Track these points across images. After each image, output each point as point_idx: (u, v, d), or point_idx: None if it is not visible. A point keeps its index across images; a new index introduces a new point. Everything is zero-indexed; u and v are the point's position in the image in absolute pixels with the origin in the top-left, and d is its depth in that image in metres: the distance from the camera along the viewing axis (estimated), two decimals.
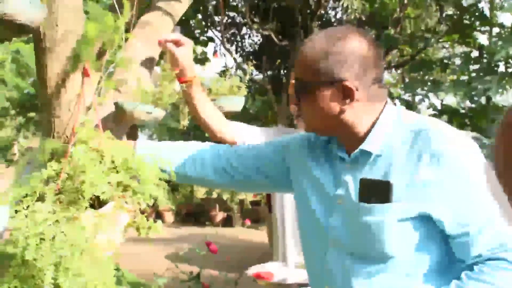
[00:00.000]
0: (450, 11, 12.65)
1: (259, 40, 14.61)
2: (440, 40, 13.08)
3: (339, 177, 1.71)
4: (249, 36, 14.73)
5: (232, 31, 14.30)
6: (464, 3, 11.53)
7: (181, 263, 4.16)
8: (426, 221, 1.56)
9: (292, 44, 12.54)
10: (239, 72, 13.13)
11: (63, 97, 2.02)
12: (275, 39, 12.08)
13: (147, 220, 1.98)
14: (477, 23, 11.52)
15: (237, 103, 3.08)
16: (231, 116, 3.06)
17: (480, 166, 1.54)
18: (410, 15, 13.28)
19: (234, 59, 13.39)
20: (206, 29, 14.22)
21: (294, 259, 2.45)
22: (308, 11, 13.10)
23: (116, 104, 2.30)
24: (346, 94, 1.62)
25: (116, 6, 2.22)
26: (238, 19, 14.17)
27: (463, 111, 13.12)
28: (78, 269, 1.75)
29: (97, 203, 1.94)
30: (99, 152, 1.90)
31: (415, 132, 1.59)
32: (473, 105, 11.46)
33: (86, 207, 1.86)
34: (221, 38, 13.29)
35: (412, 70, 13.57)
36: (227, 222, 13.51)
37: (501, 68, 11.10)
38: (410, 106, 17.25)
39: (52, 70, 1.99)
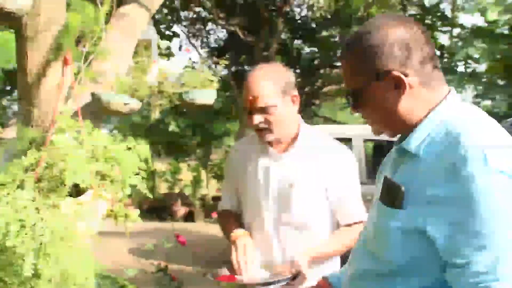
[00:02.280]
0: (413, 11, 12.89)
1: (224, 35, 14.65)
2: None
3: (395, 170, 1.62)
4: (214, 32, 14.76)
5: (198, 26, 14.30)
6: (427, 4, 11.77)
7: (144, 257, 4.16)
8: (425, 238, 1.43)
9: (257, 40, 12.62)
10: (205, 67, 13.12)
11: (43, 86, 2.04)
12: (241, 35, 12.12)
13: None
14: (439, 23, 11.79)
15: (208, 96, 3.11)
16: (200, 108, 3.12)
17: (500, 191, 1.35)
18: (373, 14, 13.46)
19: (200, 54, 13.39)
20: (171, 24, 14.19)
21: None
22: (274, 7, 13.20)
23: (93, 94, 2.32)
24: (397, 84, 1.50)
25: None
26: (204, 14, 14.16)
27: None
28: (58, 256, 1.77)
29: (75, 191, 1.96)
30: (79, 141, 1.92)
31: (451, 136, 1.44)
32: None
33: (66, 195, 1.88)
34: (186, 33, 13.28)
35: None
36: (189, 217, 13.50)
37: (461, 68, 11.39)
38: None
39: (33, 59, 2.00)
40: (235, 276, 2.26)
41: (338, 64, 15.53)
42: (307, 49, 15.32)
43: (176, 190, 14.74)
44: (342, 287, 1.77)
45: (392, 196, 1.48)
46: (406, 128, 1.53)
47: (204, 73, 3.14)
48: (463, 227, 1.35)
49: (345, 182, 2.44)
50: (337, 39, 14.14)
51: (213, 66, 9.84)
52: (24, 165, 1.86)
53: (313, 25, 14.25)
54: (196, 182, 13.94)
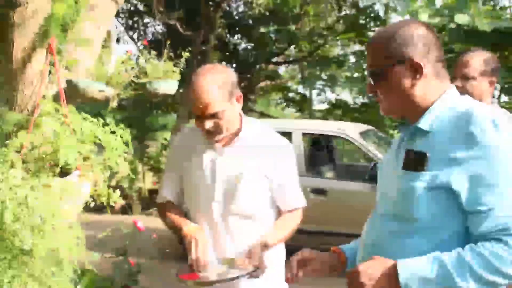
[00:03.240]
0: (347, 11, 13.29)
1: (161, 29, 14.64)
2: (337, 38, 13.70)
3: (400, 150, 1.91)
4: (152, 25, 14.74)
5: (135, 19, 14.24)
6: (361, 5, 12.16)
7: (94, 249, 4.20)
8: (450, 193, 1.69)
9: (196, 34, 12.70)
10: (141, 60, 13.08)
11: (28, 72, 2.12)
12: (180, 29, 12.17)
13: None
14: (372, 23, 12.19)
15: (170, 86, 3.23)
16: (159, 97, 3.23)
17: (510, 149, 1.66)
18: (310, 13, 13.80)
19: (137, 47, 13.35)
20: None
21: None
22: (212, 2, 13.32)
23: (69, 81, 2.41)
24: (415, 70, 1.79)
25: None
26: (141, 7, 14.12)
27: (356, 106, 13.86)
28: (50, 233, 1.88)
29: (59, 172, 2.06)
30: (65, 124, 2.02)
31: (461, 112, 1.74)
32: (366, 101, 12.12)
33: (54, 175, 1.98)
34: (124, 26, 13.21)
35: (310, 66, 14.12)
36: (126, 209, 13.46)
37: None
38: (306, 99, 17.92)
39: (19, 45, 2.08)
40: (198, 273, 2.31)
41: (274, 60, 15.84)
42: (244, 45, 15.51)
43: (113, 183, 14.67)
44: (357, 255, 1.96)
45: (417, 162, 1.73)
46: (414, 110, 1.82)
47: (166, 64, 3.25)
48: (483, 180, 1.64)
49: (284, 170, 2.57)
50: (273, 35, 14.41)
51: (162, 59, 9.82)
52: (14, 146, 1.94)
53: (250, 22, 14.47)
54: (133, 175, 13.87)
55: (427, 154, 1.73)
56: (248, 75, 15.30)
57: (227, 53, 15.00)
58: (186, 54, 3.56)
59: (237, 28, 14.91)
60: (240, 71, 15.23)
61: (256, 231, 2.52)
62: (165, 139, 15.36)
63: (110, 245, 4.28)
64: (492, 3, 12.22)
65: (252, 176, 2.52)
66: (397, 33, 1.81)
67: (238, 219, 2.54)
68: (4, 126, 2.07)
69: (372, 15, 11.98)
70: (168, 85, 3.19)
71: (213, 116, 2.40)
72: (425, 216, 1.73)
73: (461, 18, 9.94)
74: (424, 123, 1.79)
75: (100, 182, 2.07)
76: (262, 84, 17.00)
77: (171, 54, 3.35)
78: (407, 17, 11.76)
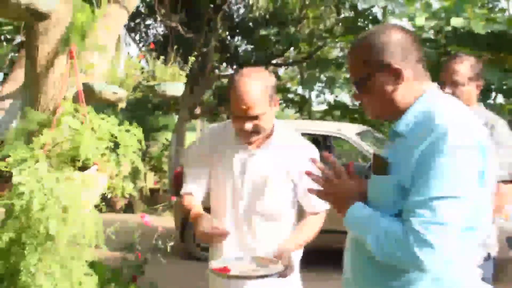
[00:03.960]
0: (346, 13, 13.50)
1: (162, 31, 14.83)
2: (336, 40, 13.91)
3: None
4: (153, 27, 14.94)
5: (137, 21, 14.44)
6: (360, 7, 12.37)
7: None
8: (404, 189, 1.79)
9: (197, 36, 12.90)
10: (143, 62, 13.29)
11: (50, 76, 2.34)
12: (182, 31, 12.38)
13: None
14: (371, 26, 12.40)
15: (177, 88, 3.47)
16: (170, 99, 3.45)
17: (463, 152, 1.70)
18: (309, 15, 14.01)
19: (139, 48, 13.56)
20: None
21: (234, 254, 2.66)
22: (213, 5, 13.52)
23: (86, 84, 2.63)
24: (396, 75, 1.85)
25: None
26: (143, 9, 14.32)
27: (354, 107, 14.07)
28: (73, 221, 2.10)
29: (79, 166, 2.28)
30: (85, 123, 2.24)
31: (429, 113, 1.81)
32: None
33: (75, 169, 2.20)
34: (126, 27, 13.41)
35: (310, 67, 14.33)
36: (128, 208, 13.66)
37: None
38: (305, 100, 18.14)
39: (43, 51, 2.30)
40: (229, 268, 2.41)
41: (274, 61, 16.06)
42: (244, 47, 15.72)
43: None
44: None
45: (379, 167, 1.86)
46: (398, 112, 1.90)
47: (173, 68, 3.48)
48: (422, 182, 1.71)
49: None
50: (273, 38, 14.62)
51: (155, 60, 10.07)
52: (39, 143, 2.16)
53: (251, 24, 14.68)
54: (135, 174, 14.07)
55: (388, 161, 1.84)
56: None
57: (228, 55, 15.20)
58: (192, 59, 3.78)
59: (237, 30, 15.12)
60: None
61: (277, 230, 2.65)
62: (166, 139, 15.60)
63: (116, 241, 4.48)
64: (490, 5, 12.44)
65: (279, 179, 2.63)
66: (374, 41, 1.88)
67: (262, 219, 2.65)
68: (29, 124, 2.28)
69: (370, 18, 12.18)
70: (175, 87, 3.42)
71: (254, 118, 2.47)
72: (392, 210, 1.83)
73: (457, 21, 10.15)
74: (400, 126, 1.88)
75: (114, 176, 2.28)
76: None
77: (175, 55, 3.57)
78: (405, 19, 12.04)
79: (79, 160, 2.22)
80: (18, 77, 3.78)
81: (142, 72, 3.32)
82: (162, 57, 3.44)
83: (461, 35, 10.45)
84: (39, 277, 2.10)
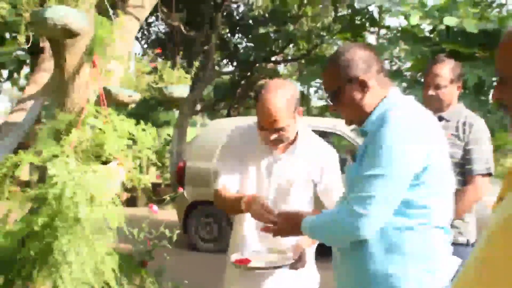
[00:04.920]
0: (343, 11, 13.84)
1: (164, 29, 15.17)
2: (334, 38, 14.24)
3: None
4: (155, 25, 15.27)
5: None
6: (357, 6, 12.68)
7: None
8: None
9: (199, 35, 13.26)
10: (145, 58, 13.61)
11: (76, 82, 2.70)
12: (183, 30, 12.71)
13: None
14: (367, 24, 12.73)
15: (183, 90, 3.80)
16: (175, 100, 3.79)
17: (400, 137, 2.03)
18: (307, 13, 14.35)
19: (142, 46, 13.89)
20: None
21: (255, 246, 2.85)
22: (213, 3, 13.86)
23: (104, 89, 2.99)
24: (363, 85, 2.20)
25: (109, 9, 2.90)
26: None
27: None
28: (98, 207, 2.47)
29: (102, 161, 2.64)
30: (107, 123, 2.61)
31: (383, 114, 2.15)
32: None
33: (99, 163, 2.56)
34: None
35: (308, 64, 14.66)
36: (131, 202, 13.99)
37: (387, 65, 12.41)
38: (304, 96, 18.48)
39: (70, 61, 2.66)
40: (250, 259, 2.68)
41: (273, 58, 16.40)
42: (244, 44, 16.06)
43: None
44: None
45: (352, 157, 2.27)
46: (367, 116, 2.23)
47: (179, 71, 3.82)
48: (362, 164, 2.09)
49: (330, 176, 2.86)
50: (272, 35, 14.97)
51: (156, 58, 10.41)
52: (69, 141, 2.53)
53: (251, 22, 15.03)
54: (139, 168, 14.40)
55: (355, 150, 2.24)
56: (248, 73, 15.86)
57: (228, 53, 15.55)
58: (196, 64, 4.13)
59: (237, 28, 15.47)
60: (240, 70, 15.83)
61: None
62: (168, 134, 15.95)
63: (123, 232, 4.81)
64: (488, 0, 12.74)
65: (302, 181, 2.83)
66: (341, 59, 2.22)
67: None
68: (58, 124, 2.64)
69: (367, 16, 12.50)
70: (181, 90, 3.75)
71: (279, 129, 2.67)
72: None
73: (450, 20, 10.47)
74: (367, 126, 2.22)
75: (132, 169, 2.64)
76: (262, 82, 17.56)
77: (177, 55, 3.90)
78: (401, 17, 12.38)
79: (102, 156, 2.59)
80: (39, 80, 4.15)
81: (150, 73, 3.67)
82: (169, 62, 3.77)
83: (455, 34, 10.76)
84: (69, 255, 2.47)
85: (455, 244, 2.40)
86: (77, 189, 2.39)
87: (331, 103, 2.29)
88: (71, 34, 2.34)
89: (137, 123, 3.05)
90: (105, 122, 2.63)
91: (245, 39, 15.87)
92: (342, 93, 2.22)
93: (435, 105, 3.55)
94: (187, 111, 13.74)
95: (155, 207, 4.61)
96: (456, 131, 3.58)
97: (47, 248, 2.55)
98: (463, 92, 3.77)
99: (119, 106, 3.02)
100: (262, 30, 14.69)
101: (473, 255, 1.15)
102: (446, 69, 3.68)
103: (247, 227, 2.90)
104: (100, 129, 2.53)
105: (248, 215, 2.73)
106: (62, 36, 2.40)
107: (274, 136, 2.69)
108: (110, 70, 2.99)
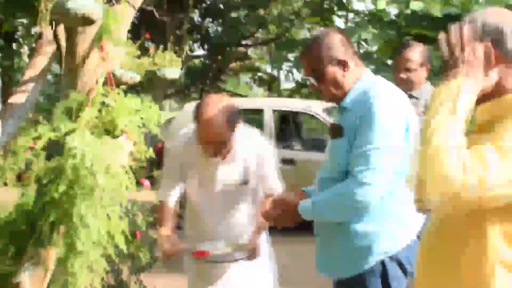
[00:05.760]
0: None
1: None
2: (303, 22, 14.60)
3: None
4: None
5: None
6: None
7: None
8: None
9: (170, 19, 13.47)
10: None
11: (86, 65, 2.99)
12: (156, 15, 12.91)
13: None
14: (336, 8, 13.11)
15: (175, 72, 4.08)
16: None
17: (386, 111, 2.26)
18: None
19: None
20: None
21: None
22: None
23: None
24: (343, 65, 2.41)
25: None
26: None
27: None
28: (113, 175, 2.78)
29: (112, 135, 2.94)
30: (117, 101, 2.91)
31: (365, 90, 2.38)
32: None
33: (110, 137, 2.87)
34: None
35: (278, 48, 15.01)
36: None
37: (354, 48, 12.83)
38: (274, 79, 18.87)
39: (81, 46, 2.96)
40: (208, 252, 2.93)
41: (244, 42, 16.71)
42: (215, 28, 16.32)
43: None
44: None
45: (336, 132, 2.42)
46: (345, 94, 2.45)
47: (171, 54, 4.09)
48: (366, 133, 2.29)
49: (265, 164, 3.05)
50: (243, 20, 15.27)
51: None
52: (85, 117, 2.82)
53: (222, 6, 15.29)
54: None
55: (342, 126, 2.39)
56: (219, 57, 16.14)
57: (200, 37, 15.78)
58: (188, 49, 4.40)
59: (209, 13, 15.70)
60: (212, 53, 16.10)
61: (243, 217, 3.10)
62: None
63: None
64: None
65: (244, 179, 3.02)
66: (323, 43, 2.42)
67: (233, 212, 3.10)
68: (71, 103, 2.94)
69: (335, 0, 12.88)
70: (173, 72, 4.01)
71: (219, 143, 2.84)
72: (346, 168, 2.36)
73: (416, 5, 10.90)
74: (346, 102, 2.43)
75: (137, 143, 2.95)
76: (233, 65, 17.86)
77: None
78: (368, 2, 12.79)
79: (112, 130, 2.89)
80: (38, 63, 4.41)
81: (139, 57, 3.93)
82: (161, 45, 4.05)
83: (420, 18, 11.18)
84: (87, 219, 2.78)
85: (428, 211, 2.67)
86: (94, 159, 2.70)
87: (314, 83, 2.48)
88: (88, 22, 2.64)
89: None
90: (115, 100, 2.92)
91: (216, 23, 16.13)
92: (325, 73, 2.43)
93: (407, 86, 3.90)
94: (160, 95, 13.98)
95: (146, 182, 4.92)
96: (425, 108, 3.93)
97: (65, 214, 2.85)
98: (429, 73, 4.13)
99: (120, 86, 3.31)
100: (233, 15, 14.96)
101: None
102: (416, 54, 4.01)
103: (204, 219, 3.10)
104: (108, 106, 2.83)
105: (204, 215, 3.06)
106: (81, 24, 2.70)
107: (215, 149, 2.85)
108: (118, 55, 3.27)
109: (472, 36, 1.56)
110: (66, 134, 2.79)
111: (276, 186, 3.11)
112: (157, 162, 8.99)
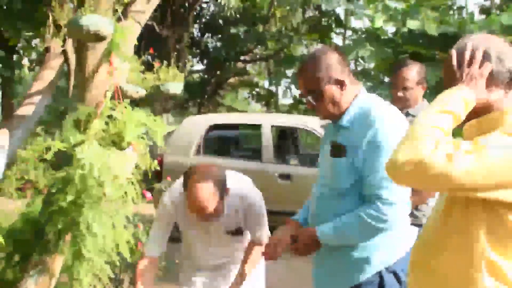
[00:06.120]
0: (311, 13, 14.38)
1: None
2: (302, 38, 14.77)
3: (328, 142, 2.54)
4: None
5: None
6: (324, 8, 13.21)
7: None
8: (356, 167, 2.38)
9: (170, 34, 13.63)
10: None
11: (95, 79, 3.12)
12: (157, 29, 13.06)
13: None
14: (334, 25, 13.30)
15: (178, 87, 4.21)
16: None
17: (394, 135, 2.23)
18: (276, 15, 14.86)
19: None
20: None
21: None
22: (185, 3, 14.26)
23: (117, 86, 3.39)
24: (340, 84, 2.44)
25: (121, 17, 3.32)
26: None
27: None
28: (119, 185, 2.90)
29: (119, 147, 3.06)
30: (124, 114, 3.03)
31: (365, 109, 2.41)
32: None
33: (117, 148, 2.99)
34: None
35: (277, 64, 15.18)
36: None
37: (352, 66, 12.98)
38: (272, 94, 19.01)
39: (90, 61, 3.09)
40: None
41: (242, 58, 16.88)
42: (214, 44, 16.49)
43: None
44: (307, 220, 2.69)
45: (338, 151, 2.45)
46: (342, 112, 2.48)
47: (174, 70, 4.23)
48: (369, 157, 2.35)
49: (253, 218, 3.08)
50: (242, 35, 15.45)
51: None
52: (93, 129, 2.94)
53: (221, 22, 15.47)
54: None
55: (345, 145, 2.43)
56: (218, 72, 16.30)
57: (199, 52, 15.94)
58: (189, 64, 4.53)
59: (209, 28, 15.88)
60: (210, 68, 16.25)
61: (236, 257, 3.21)
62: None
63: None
64: (449, 2, 13.34)
65: (235, 226, 3.08)
66: (320, 62, 2.44)
67: (225, 260, 3.23)
68: (80, 115, 3.06)
69: (333, 18, 13.06)
70: (176, 86, 4.15)
71: (208, 212, 2.84)
72: (347, 186, 2.44)
73: (412, 24, 11.06)
74: (344, 121, 2.46)
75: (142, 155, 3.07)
76: (231, 80, 18.03)
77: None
78: (366, 20, 12.97)
79: (119, 142, 3.01)
80: (45, 76, 4.54)
81: (143, 72, 4.07)
82: (165, 61, 4.18)
83: (416, 36, 11.35)
84: (94, 227, 2.89)
85: (420, 225, 2.74)
86: (102, 170, 2.81)
87: (311, 102, 2.49)
88: (100, 38, 2.77)
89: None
90: (123, 113, 3.04)
91: (215, 39, 16.30)
92: (323, 93, 2.45)
93: (403, 104, 4.02)
94: (159, 109, 14.10)
95: (148, 194, 5.02)
96: None
97: (72, 222, 2.96)
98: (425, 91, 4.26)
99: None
100: (232, 30, 15.14)
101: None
102: (413, 72, 4.11)
103: (197, 254, 3.21)
104: (115, 118, 2.95)
105: (197, 248, 3.16)
106: (93, 40, 2.83)
107: (205, 216, 2.87)
108: (125, 69, 3.39)
109: (481, 56, 1.75)
110: (75, 145, 2.91)
111: (264, 236, 3.11)
112: (155, 175, 9.16)
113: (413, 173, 1.59)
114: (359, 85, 2.56)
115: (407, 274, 1.95)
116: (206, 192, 2.78)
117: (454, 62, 1.79)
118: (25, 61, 16.56)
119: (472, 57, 1.77)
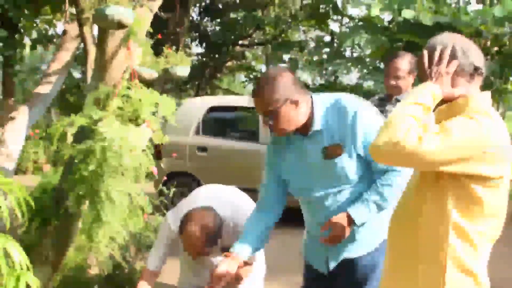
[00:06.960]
0: (309, 0, 14.64)
1: None
2: (299, 24, 15.04)
3: (305, 150, 2.71)
4: None
5: None
6: None
7: None
8: (360, 158, 2.60)
9: (171, 17, 13.88)
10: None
11: (114, 61, 3.47)
12: (158, 12, 13.28)
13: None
14: (331, 12, 13.53)
15: (185, 70, 4.53)
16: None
17: (371, 112, 2.61)
18: (275, 1, 15.12)
19: None
20: None
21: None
22: None
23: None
24: (295, 102, 2.57)
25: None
26: None
27: (314, 86, 15.26)
28: (136, 155, 3.24)
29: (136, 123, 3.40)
30: (141, 93, 3.37)
31: (332, 104, 2.62)
32: (323, 82, 13.47)
33: (133, 125, 3.33)
34: None
35: (274, 49, 15.44)
36: None
37: (348, 53, 13.29)
38: None
39: (111, 46, 3.43)
40: None
41: (241, 42, 17.16)
42: (214, 28, 16.75)
43: None
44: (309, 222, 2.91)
45: (334, 151, 2.63)
46: (302, 125, 2.65)
47: (181, 54, 4.54)
48: (367, 135, 2.58)
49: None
50: (241, 20, 15.70)
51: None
52: (114, 107, 3.28)
53: (221, 7, 15.74)
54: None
55: (340, 144, 2.62)
56: (217, 55, 16.59)
57: (198, 35, 16.21)
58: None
59: (208, 12, 16.14)
60: (209, 52, 16.53)
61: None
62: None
63: None
64: None
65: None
66: (276, 84, 2.55)
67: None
68: (99, 94, 3.40)
69: (331, 5, 13.28)
70: (183, 69, 4.46)
71: (200, 253, 3.07)
72: (355, 177, 2.66)
73: (407, 13, 11.35)
74: (315, 127, 2.64)
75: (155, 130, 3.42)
76: (229, 63, 18.32)
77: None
78: (363, 8, 13.24)
79: (135, 119, 3.35)
80: (62, 57, 4.88)
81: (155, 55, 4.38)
82: (174, 46, 4.50)
83: (411, 25, 11.62)
84: (113, 194, 3.25)
85: None
86: (121, 143, 3.16)
87: (268, 121, 2.60)
88: (122, 26, 3.11)
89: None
90: (138, 93, 3.38)
91: (215, 23, 16.56)
92: (280, 112, 2.57)
93: (396, 92, 4.36)
94: (158, 91, 14.36)
95: (155, 169, 5.36)
96: None
97: (93, 189, 3.32)
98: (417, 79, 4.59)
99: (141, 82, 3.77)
100: (231, 15, 15.40)
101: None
102: (405, 63, 4.42)
103: (195, 268, 3.42)
104: (131, 98, 3.30)
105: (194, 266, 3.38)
106: (116, 28, 3.17)
107: (197, 256, 3.11)
108: (139, 53, 3.73)
109: (448, 55, 2.10)
110: (96, 121, 3.25)
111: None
112: (156, 154, 9.52)
113: (391, 153, 1.96)
114: (308, 94, 2.69)
115: (386, 241, 2.29)
116: (198, 237, 2.98)
117: (425, 61, 2.14)
118: (26, 40, 16.83)
119: (441, 56, 2.11)
